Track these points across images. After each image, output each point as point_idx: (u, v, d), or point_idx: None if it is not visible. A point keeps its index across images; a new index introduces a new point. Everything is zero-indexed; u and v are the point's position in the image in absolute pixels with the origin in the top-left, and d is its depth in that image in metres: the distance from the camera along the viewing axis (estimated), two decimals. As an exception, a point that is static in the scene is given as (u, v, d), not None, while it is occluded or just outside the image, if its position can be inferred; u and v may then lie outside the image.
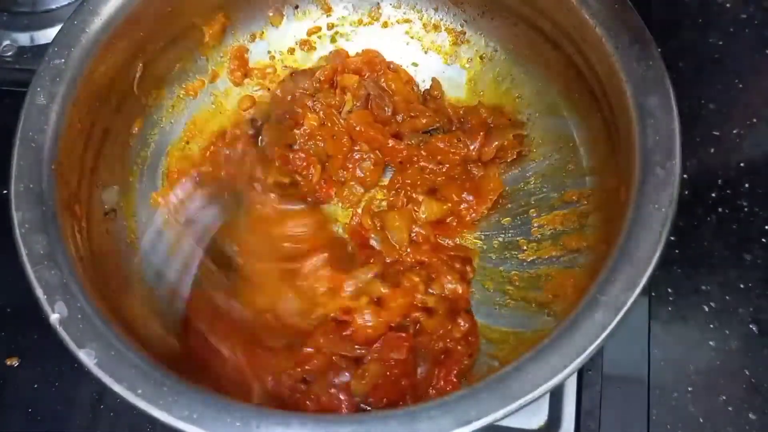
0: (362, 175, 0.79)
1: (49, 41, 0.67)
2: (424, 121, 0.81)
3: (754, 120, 0.90)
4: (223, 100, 0.85)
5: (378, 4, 0.86)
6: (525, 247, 0.76)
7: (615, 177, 0.67)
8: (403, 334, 0.68)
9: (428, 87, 0.85)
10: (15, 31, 0.94)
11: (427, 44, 0.86)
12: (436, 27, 0.86)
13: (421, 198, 0.76)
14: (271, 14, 0.85)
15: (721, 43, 0.90)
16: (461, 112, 0.82)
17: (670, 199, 0.57)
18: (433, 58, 0.86)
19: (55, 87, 0.65)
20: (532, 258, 0.75)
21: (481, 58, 0.85)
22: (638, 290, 0.54)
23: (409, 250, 0.74)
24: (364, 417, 0.52)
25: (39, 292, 0.56)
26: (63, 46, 0.67)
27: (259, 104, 0.84)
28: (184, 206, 0.75)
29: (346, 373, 0.65)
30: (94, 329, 0.55)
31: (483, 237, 0.78)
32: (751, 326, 0.78)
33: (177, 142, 0.82)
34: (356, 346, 0.67)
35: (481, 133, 0.78)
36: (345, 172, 0.79)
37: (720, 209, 0.84)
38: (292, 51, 0.87)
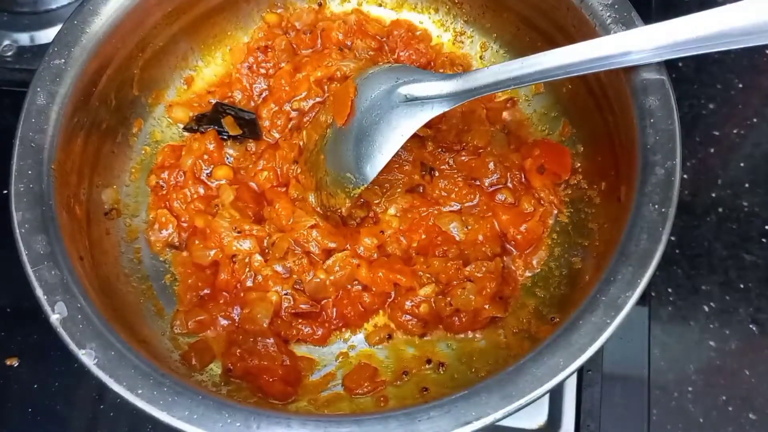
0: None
1: (49, 41, 0.67)
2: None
3: (754, 120, 0.90)
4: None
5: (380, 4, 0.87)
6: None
7: (615, 177, 0.67)
8: None
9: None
10: (15, 31, 0.94)
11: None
12: (437, 26, 0.86)
13: None
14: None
15: (721, 43, 0.90)
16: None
17: (670, 199, 0.57)
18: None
19: (55, 87, 0.65)
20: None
21: (481, 58, 0.85)
22: (638, 290, 0.54)
23: None
24: (364, 417, 0.52)
25: (39, 292, 0.56)
26: (63, 46, 0.67)
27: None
28: None
29: None
30: (94, 329, 0.55)
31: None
32: (751, 326, 0.78)
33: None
34: None
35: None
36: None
37: (720, 209, 0.84)
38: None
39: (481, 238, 0.74)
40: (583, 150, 0.75)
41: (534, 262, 0.74)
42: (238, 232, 0.73)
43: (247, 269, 0.73)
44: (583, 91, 0.73)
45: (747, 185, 0.85)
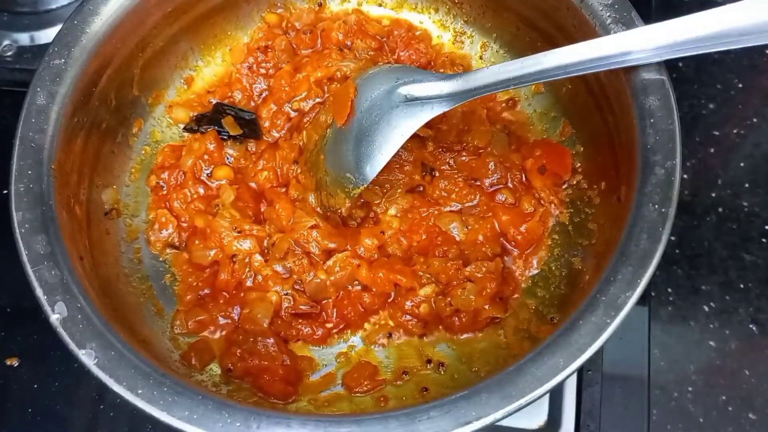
0: None
1: (49, 41, 0.67)
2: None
3: (754, 120, 0.90)
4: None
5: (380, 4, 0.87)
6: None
7: (615, 177, 0.67)
8: None
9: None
10: (15, 31, 0.94)
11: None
12: (437, 26, 0.86)
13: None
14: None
15: (721, 43, 0.90)
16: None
17: (670, 199, 0.57)
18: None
19: (55, 87, 0.65)
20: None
21: (481, 58, 0.85)
22: (638, 290, 0.54)
23: None
24: (364, 417, 0.52)
25: (39, 292, 0.56)
26: (63, 46, 0.67)
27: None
28: None
29: None
30: (94, 329, 0.55)
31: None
32: (751, 326, 0.78)
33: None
34: None
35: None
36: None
37: (720, 209, 0.84)
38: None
39: (481, 238, 0.74)
40: (583, 150, 0.75)
41: (534, 262, 0.74)
42: (239, 232, 0.73)
43: (247, 269, 0.73)
44: (583, 91, 0.73)
45: (747, 185, 0.85)
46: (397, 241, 0.74)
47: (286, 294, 0.72)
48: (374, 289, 0.72)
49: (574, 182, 0.75)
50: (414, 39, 0.84)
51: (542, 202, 0.75)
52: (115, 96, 0.73)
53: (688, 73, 0.92)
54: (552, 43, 0.74)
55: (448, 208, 0.76)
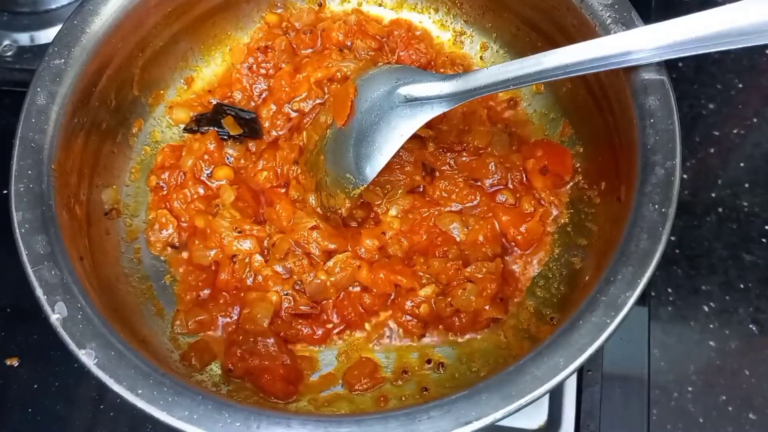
0: None
1: (49, 41, 0.67)
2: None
3: (754, 120, 0.90)
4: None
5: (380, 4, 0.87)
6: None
7: (615, 177, 0.67)
8: None
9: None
10: (15, 31, 0.94)
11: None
12: (437, 26, 0.86)
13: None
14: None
15: (721, 43, 0.90)
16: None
17: (670, 199, 0.57)
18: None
19: (55, 87, 0.65)
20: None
21: (481, 58, 0.85)
22: (638, 290, 0.54)
23: None
24: (364, 417, 0.52)
25: (39, 292, 0.56)
26: (63, 46, 0.67)
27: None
28: None
29: None
30: (94, 329, 0.55)
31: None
32: (751, 326, 0.78)
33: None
34: None
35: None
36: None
37: (720, 209, 0.84)
38: None
39: (481, 238, 0.74)
40: (583, 150, 0.75)
41: (534, 263, 0.74)
42: (239, 232, 0.73)
43: (248, 269, 0.73)
44: (583, 91, 0.73)
45: (747, 185, 0.85)
46: (398, 241, 0.74)
47: (287, 294, 0.72)
48: (374, 290, 0.72)
49: (574, 182, 0.75)
50: (414, 39, 0.84)
51: (542, 202, 0.75)
52: (115, 96, 0.73)
53: (688, 73, 0.92)
54: (552, 43, 0.74)
55: (448, 209, 0.76)
